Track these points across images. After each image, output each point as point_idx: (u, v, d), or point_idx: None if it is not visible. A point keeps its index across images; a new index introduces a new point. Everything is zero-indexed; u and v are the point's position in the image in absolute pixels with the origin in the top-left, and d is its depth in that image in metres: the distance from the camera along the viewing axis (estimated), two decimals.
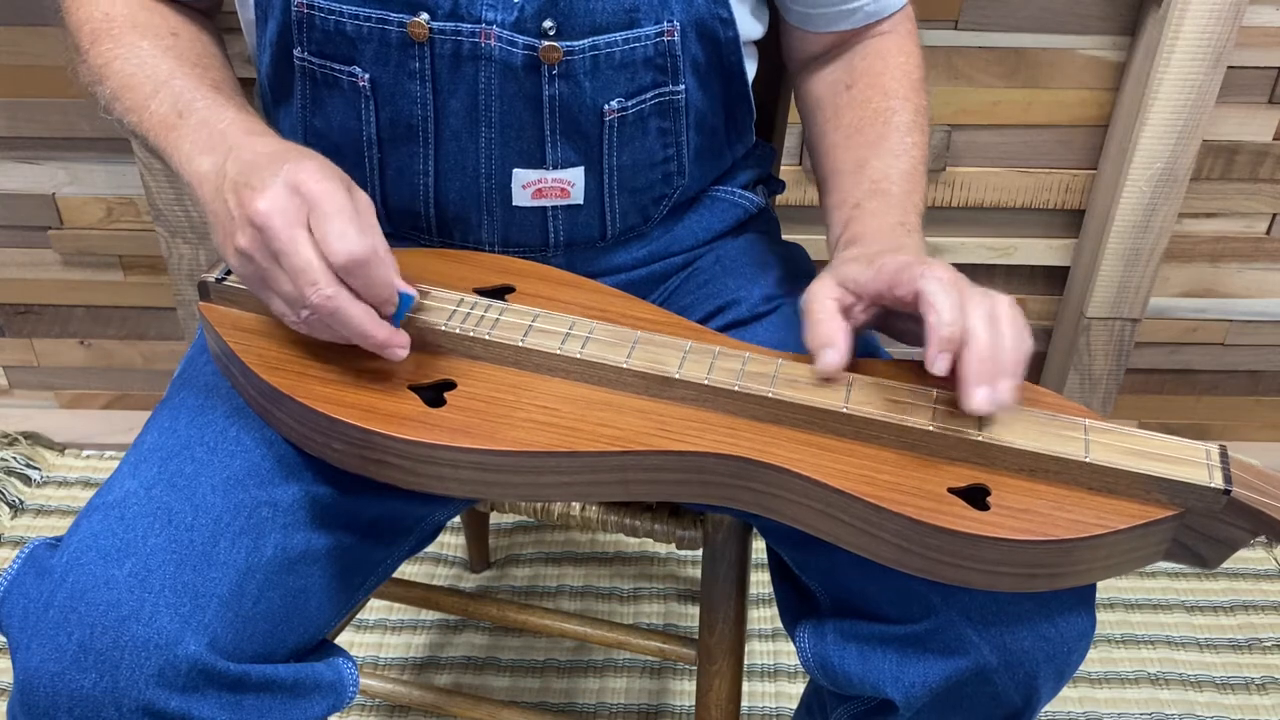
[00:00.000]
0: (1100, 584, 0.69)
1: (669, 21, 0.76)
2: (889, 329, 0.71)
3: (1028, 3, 1.27)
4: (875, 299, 0.68)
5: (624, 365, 0.68)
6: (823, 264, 0.74)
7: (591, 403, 0.67)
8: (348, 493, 0.72)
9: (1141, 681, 1.33)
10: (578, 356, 0.68)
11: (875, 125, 0.81)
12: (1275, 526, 0.62)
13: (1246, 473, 0.63)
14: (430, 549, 1.47)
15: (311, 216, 0.61)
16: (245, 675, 0.65)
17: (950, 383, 0.67)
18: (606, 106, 0.77)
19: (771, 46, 0.91)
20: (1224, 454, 0.64)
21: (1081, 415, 0.67)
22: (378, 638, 1.37)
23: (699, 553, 0.93)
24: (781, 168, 1.09)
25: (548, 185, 0.79)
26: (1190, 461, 0.63)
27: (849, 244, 0.74)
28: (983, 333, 0.62)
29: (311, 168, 0.62)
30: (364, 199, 0.64)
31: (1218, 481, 0.62)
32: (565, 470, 0.65)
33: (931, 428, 0.64)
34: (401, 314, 0.65)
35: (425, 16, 0.73)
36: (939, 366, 0.62)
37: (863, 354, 0.79)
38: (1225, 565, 0.66)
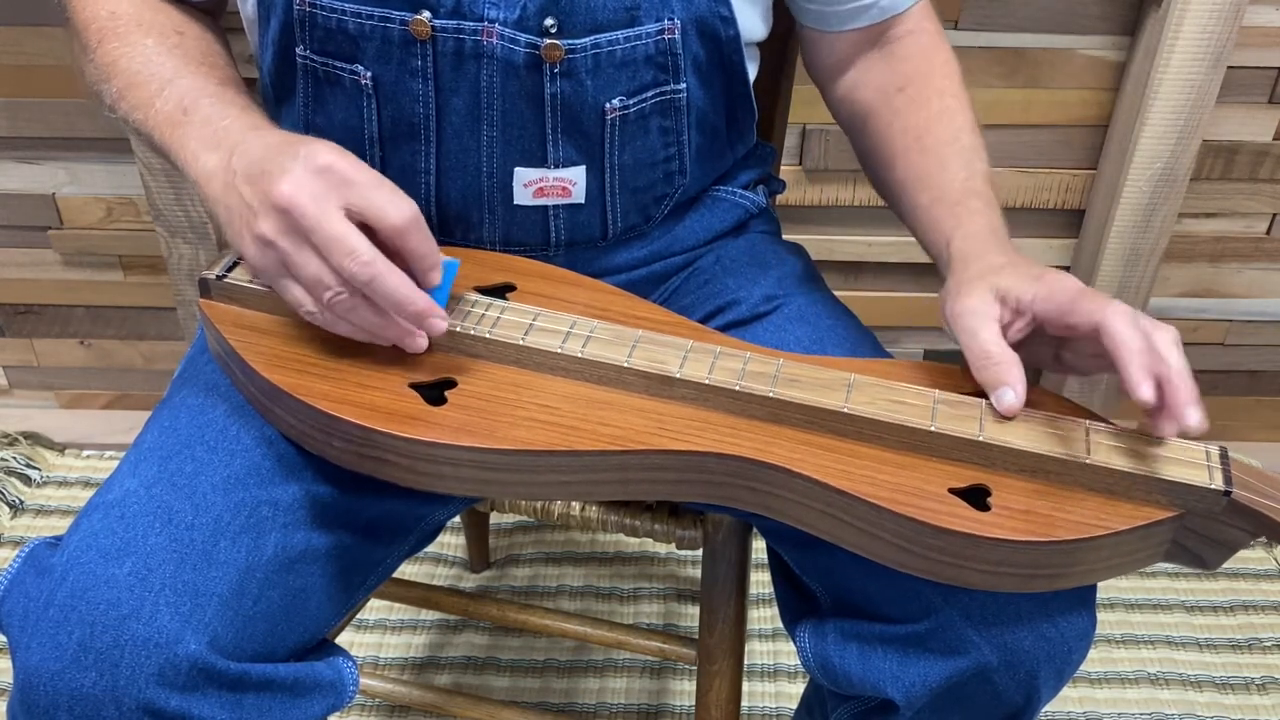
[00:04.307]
0: (1100, 584, 0.69)
1: (669, 19, 0.76)
2: (1033, 355, 0.69)
3: (1028, 3, 1.27)
4: (1039, 320, 0.66)
5: (625, 364, 0.68)
6: (827, 264, 0.73)
7: (592, 402, 0.67)
8: (348, 492, 0.72)
9: (1141, 681, 1.33)
10: (579, 355, 0.68)
11: (943, 126, 0.80)
12: (1275, 528, 0.62)
13: (1247, 474, 0.63)
14: (430, 549, 1.47)
15: (351, 193, 0.62)
16: (245, 674, 0.64)
17: (945, 385, 0.68)
18: (608, 105, 0.77)
19: (772, 47, 0.91)
20: (1224, 455, 0.64)
21: (1082, 416, 0.67)
22: (378, 638, 1.37)
23: (699, 553, 0.93)
24: (781, 168, 1.09)
25: (549, 184, 0.79)
26: (1191, 463, 0.63)
27: (973, 242, 0.72)
28: (1177, 359, 0.62)
29: (331, 147, 0.63)
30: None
31: (1218, 483, 0.62)
32: (565, 469, 0.65)
33: (932, 428, 0.64)
34: (448, 283, 0.65)
35: (427, 14, 0.73)
36: (1146, 391, 0.61)
37: (864, 354, 0.79)
38: (1225, 565, 0.66)
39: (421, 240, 0.63)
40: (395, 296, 0.63)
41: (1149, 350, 0.61)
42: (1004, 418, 0.65)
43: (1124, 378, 0.61)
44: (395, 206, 0.62)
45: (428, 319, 0.65)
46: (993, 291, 0.67)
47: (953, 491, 0.63)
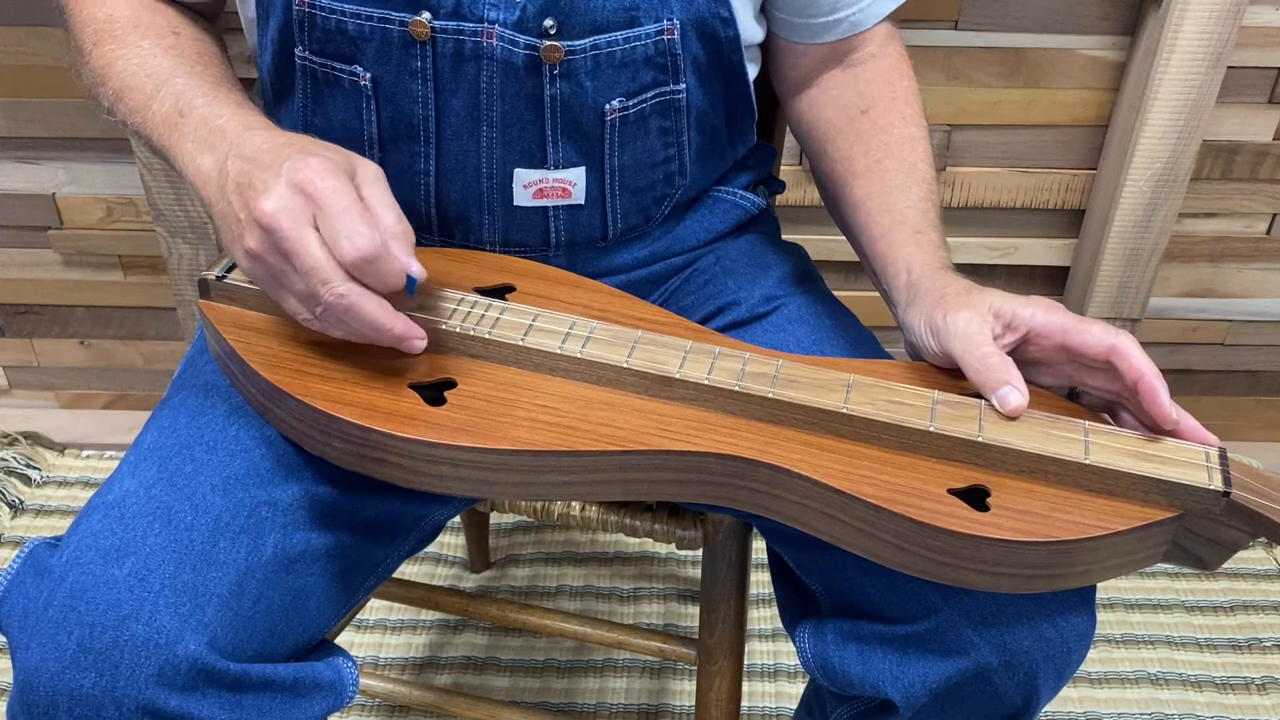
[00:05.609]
0: (1100, 584, 0.69)
1: (669, 20, 0.76)
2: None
3: (1028, 3, 1.27)
4: (1033, 336, 0.67)
5: (624, 365, 0.68)
6: (827, 264, 0.74)
7: (592, 402, 0.67)
8: (347, 492, 0.72)
9: (1141, 681, 1.33)
10: (578, 356, 0.68)
11: (903, 153, 0.81)
12: (1274, 529, 0.62)
13: (1246, 475, 0.63)
14: (430, 549, 1.47)
15: (319, 217, 0.61)
16: (245, 675, 0.65)
17: (944, 386, 0.68)
18: (608, 106, 0.77)
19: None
20: (1223, 456, 0.64)
21: (1081, 417, 0.67)
22: (378, 638, 1.37)
23: (699, 553, 0.93)
24: (781, 168, 1.09)
25: (549, 185, 0.79)
26: (1189, 463, 0.63)
27: (940, 270, 0.73)
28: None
29: (314, 164, 0.62)
30: (371, 172, 0.64)
31: (1217, 484, 0.62)
32: (565, 469, 0.65)
33: (931, 428, 0.64)
34: (410, 292, 0.65)
35: (427, 15, 0.73)
36: (1175, 413, 0.65)
37: (864, 354, 0.79)
38: (1225, 565, 0.66)
39: (379, 273, 0.62)
40: (370, 324, 0.63)
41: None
42: (1003, 418, 0.65)
43: (1151, 401, 0.64)
44: (351, 242, 0.60)
45: (405, 342, 0.65)
46: (986, 305, 0.68)
47: (952, 492, 0.63)
